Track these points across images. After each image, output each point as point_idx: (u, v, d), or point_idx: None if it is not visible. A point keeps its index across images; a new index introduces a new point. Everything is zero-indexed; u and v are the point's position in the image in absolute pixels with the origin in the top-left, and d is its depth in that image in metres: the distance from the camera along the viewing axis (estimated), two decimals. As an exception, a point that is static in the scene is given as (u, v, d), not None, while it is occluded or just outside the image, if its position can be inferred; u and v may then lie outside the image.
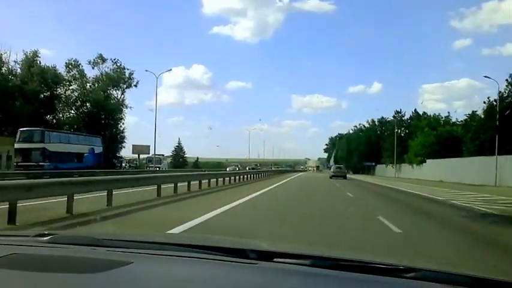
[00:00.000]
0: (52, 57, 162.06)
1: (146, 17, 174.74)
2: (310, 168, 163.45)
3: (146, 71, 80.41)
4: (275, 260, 1.32)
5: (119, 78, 58.76)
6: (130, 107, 60.78)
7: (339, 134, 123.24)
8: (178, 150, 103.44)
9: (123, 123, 59.63)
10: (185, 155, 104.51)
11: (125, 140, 60.01)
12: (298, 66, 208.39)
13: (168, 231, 6.29)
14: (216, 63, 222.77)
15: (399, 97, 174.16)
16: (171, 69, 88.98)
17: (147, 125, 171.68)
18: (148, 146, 58.36)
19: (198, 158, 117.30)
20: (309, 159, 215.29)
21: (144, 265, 1.29)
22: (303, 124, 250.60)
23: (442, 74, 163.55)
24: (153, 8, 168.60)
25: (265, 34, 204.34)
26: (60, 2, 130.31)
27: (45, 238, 1.55)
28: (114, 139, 56.39)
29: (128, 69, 59.77)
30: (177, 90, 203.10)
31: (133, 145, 59.31)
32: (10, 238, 1.68)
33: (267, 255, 1.35)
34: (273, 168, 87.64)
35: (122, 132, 59.62)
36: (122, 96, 60.40)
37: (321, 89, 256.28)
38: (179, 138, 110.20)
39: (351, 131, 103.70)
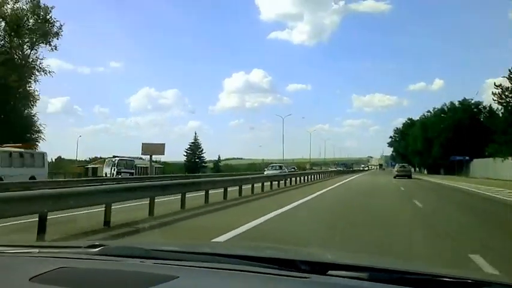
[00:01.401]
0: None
1: (206, 26, 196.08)
2: (372, 167, 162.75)
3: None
4: (329, 273, 1.25)
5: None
6: (49, 72, 38.11)
7: (408, 119, 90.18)
8: (194, 149, 79.82)
9: (33, 102, 37.73)
10: (202, 155, 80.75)
11: (41, 128, 38.48)
12: (356, 67, 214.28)
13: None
14: (275, 67, 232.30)
15: (462, 93, 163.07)
16: None
17: (209, 129, 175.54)
18: (163, 145, 46.09)
19: (219, 158, 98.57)
20: (371, 157, 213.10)
21: (190, 279, 1.28)
22: (364, 123, 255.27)
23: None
24: (213, 18, 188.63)
25: (322, 36, 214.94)
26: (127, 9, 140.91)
27: (95, 250, 1.53)
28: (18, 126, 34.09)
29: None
30: (238, 95, 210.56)
31: (143, 144, 45.99)
32: (60, 250, 1.67)
33: (320, 267, 1.30)
34: (313, 169, 72.02)
35: (33, 116, 37.99)
36: (31, 52, 38.18)
37: (381, 88, 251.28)
38: (195, 134, 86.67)
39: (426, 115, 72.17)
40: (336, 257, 1.65)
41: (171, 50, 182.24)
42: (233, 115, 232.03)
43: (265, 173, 35.33)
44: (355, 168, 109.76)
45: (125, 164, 40.34)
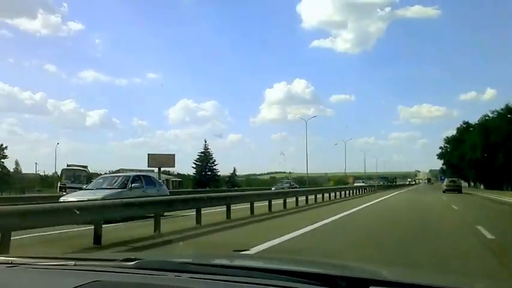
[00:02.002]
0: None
1: (246, 35, 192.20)
2: (420, 181, 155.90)
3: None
4: None
5: None
6: None
7: (463, 122, 73.63)
8: (204, 160, 70.40)
9: None
10: (215, 167, 71.78)
11: None
12: (403, 76, 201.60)
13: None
14: (317, 77, 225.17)
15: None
16: None
17: (251, 142, 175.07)
18: (173, 156, 41.32)
19: (235, 170, 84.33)
20: (418, 171, 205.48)
21: None
22: (411, 135, 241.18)
23: None
24: (253, 27, 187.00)
25: (367, 44, 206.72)
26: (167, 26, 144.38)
27: (130, 263, 1.51)
28: None
29: None
30: (279, 106, 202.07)
31: (149, 155, 41.05)
32: (96, 263, 1.68)
33: (361, 284, 1.25)
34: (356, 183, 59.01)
35: None
36: None
37: (429, 98, 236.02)
38: (205, 142, 74.10)
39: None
40: (375, 272, 1.59)
41: (209, 60, 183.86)
42: (274, 127, 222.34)
43: (272, 188, 34.56)
44: (399, 183, 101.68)
45: (72, 175, 26.57)
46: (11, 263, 1.62)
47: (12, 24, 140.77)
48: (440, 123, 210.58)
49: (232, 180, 76.78)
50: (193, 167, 70.67)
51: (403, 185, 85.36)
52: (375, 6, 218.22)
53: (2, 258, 1.71)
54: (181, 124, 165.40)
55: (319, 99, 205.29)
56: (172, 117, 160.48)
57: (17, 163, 66.91)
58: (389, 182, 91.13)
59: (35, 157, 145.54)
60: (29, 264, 1.61)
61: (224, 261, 1.82)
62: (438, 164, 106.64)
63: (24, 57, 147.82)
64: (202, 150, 71.94)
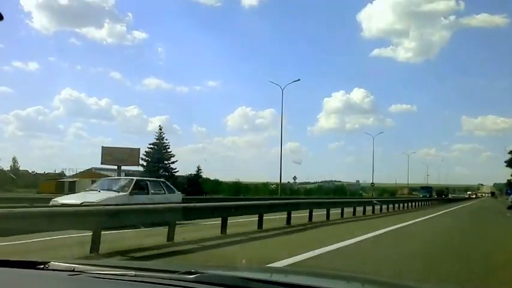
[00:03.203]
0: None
1: (305, 44, 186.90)
2: (483, 195, 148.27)
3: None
4: None
5: None
6: None
7: None
8: (155, 155, 49.38)
9: None
10: (170, 163, 51.93)
11: None
12: (468, 86, 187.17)
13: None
14: (377, 86, 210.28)
15: None
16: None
17: (308, 151, 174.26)
18: (136, 151, 33.25)
19: (199, 170, 61.80)
20: (482, 184, 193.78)
21: None
22: (475, 148, 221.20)
23: None
24: (312, 35, 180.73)
25: (429, 53, 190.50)
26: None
27: (191, 276, 1.51)
28: None
29: None
30: (337, 115, 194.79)
31: (103, 148, 34.17)
32: (156, 274, 1.63)
33: None
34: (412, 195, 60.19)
35: None
36: None
37: (495, 110, 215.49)
38: (160, 129, 53.14)
39: None
40: None
41: (267, 68, 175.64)
42: (333, 137, 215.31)
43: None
44: (454, 196, 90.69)
45: None
46: (73, 270, 1.65)
47: (80, 33, 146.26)
48: (506, 136, 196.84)
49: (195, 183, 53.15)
50: (142, 165, 48.53)
51: (458, 200, 70.76)
52: (439, 14, 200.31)
53: (64, 265, 1.74)
54: (239, 131, 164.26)
55: (379, 109, 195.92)
56: (231, 125, 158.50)
57: (14, 160, 64.15)
58: (439, 194, 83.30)
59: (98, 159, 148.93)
60: (91, 273, 1.63)
61: (281, 278, 1.82)
62: (503, 178, 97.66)
63: (91, 65, 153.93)
64: (155, 141, 50.34)
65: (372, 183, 67.32)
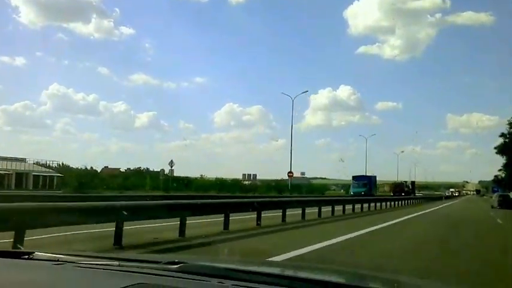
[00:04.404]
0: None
1: (292, 41, 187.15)
2: (469, 193, 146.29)
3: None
4: None
5: None
6: None
7: None
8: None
9: None
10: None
11: None
12: (453, 84, 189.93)
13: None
14: (363, 84, 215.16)
15: None
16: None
17: (294, 148, 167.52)
18: None
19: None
20: (467, 182, 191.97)
21: None
22: (460, 145, 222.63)
23: None
24: (299, 32, 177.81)
25: (415, 51, 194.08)
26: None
27: (174, 266, 1.52)
28: None
29: None
30: (324, 112, 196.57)
31: None
32: (140, 264, 1.67)
33: None
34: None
35: None
36: None
37: (479, 107, 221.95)
38: None
39: None
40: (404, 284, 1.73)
41: (255, 65, 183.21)
42: (319, 134, 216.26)
43: None
44: (424, 194, 75.90)
45: None
46: (58, 261, 1.66)
47: (67, 28, 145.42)
48: (491, 134, 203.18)
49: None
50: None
51: (434, 199, 59.34)
52: (425, 12, 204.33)
53: (49, 255, 1.75)
54: (226, 128, 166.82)
55: (365, 106, 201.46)
56: (218, 121, 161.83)
57: None
58: (398, 191, 60.01)
59: (84, 156, 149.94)
60: (75, 263, 1.64)
61: (266, 269, 1.80)
62: (488, 176, 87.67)
63: (79, 60, 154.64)
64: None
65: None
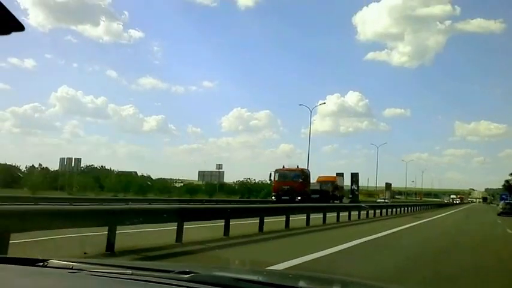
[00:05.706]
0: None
1: (301, 46, 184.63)
2: (474, 200, 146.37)
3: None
4: None
5: None
6: None
7: None
8: None
9: None
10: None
11: None
12: (462, 91, 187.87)
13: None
14: (372, 90, 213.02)
15: None
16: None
17: (302, 153, 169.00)
18: None
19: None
20: (473, 189, 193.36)
21: None
22: (467, 153, 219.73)
23: None
24: (307, 38, 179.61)
25: (424, 58, 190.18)
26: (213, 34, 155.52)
27: (185, 276, 1.54)
28: None
29: None
30: (332, 118, 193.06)
31: None
32: (152, 273, 1.69)
33: None
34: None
35: None
36: None
37: (488, 115, 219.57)
38: None
39: None
40: None
41: (263, 70, 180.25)
42: (327, 140, 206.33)
43: None
44: (428, 201, 69.22)
45: None
46: (72, 268, 1.69)
47: (76, 30, 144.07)
48: (499, 142, 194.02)
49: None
50: None
51: (443, 206, 52.32)
52: (434, 19, 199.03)
53: (63, 262, 1.78)
54: (234, 132, 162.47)
55: (373, 113, 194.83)
56: (226, 126, 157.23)
57: None
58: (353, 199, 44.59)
59: (94, 158, 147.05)
60: (89, 271, 1.67)
61: (280, 280, 1.81)
62: (495, 184, 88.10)
63: (87, 63, 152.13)
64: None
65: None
